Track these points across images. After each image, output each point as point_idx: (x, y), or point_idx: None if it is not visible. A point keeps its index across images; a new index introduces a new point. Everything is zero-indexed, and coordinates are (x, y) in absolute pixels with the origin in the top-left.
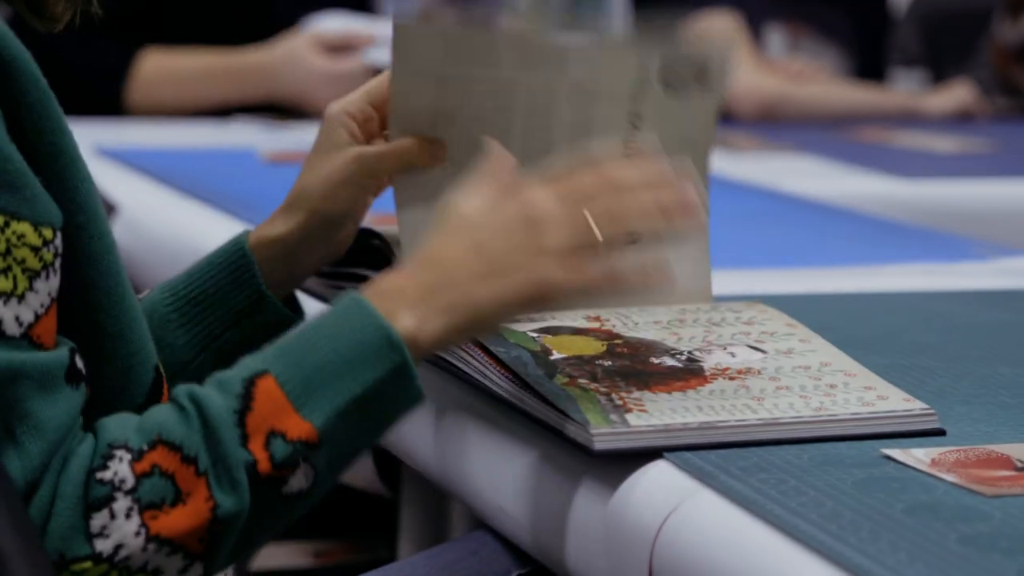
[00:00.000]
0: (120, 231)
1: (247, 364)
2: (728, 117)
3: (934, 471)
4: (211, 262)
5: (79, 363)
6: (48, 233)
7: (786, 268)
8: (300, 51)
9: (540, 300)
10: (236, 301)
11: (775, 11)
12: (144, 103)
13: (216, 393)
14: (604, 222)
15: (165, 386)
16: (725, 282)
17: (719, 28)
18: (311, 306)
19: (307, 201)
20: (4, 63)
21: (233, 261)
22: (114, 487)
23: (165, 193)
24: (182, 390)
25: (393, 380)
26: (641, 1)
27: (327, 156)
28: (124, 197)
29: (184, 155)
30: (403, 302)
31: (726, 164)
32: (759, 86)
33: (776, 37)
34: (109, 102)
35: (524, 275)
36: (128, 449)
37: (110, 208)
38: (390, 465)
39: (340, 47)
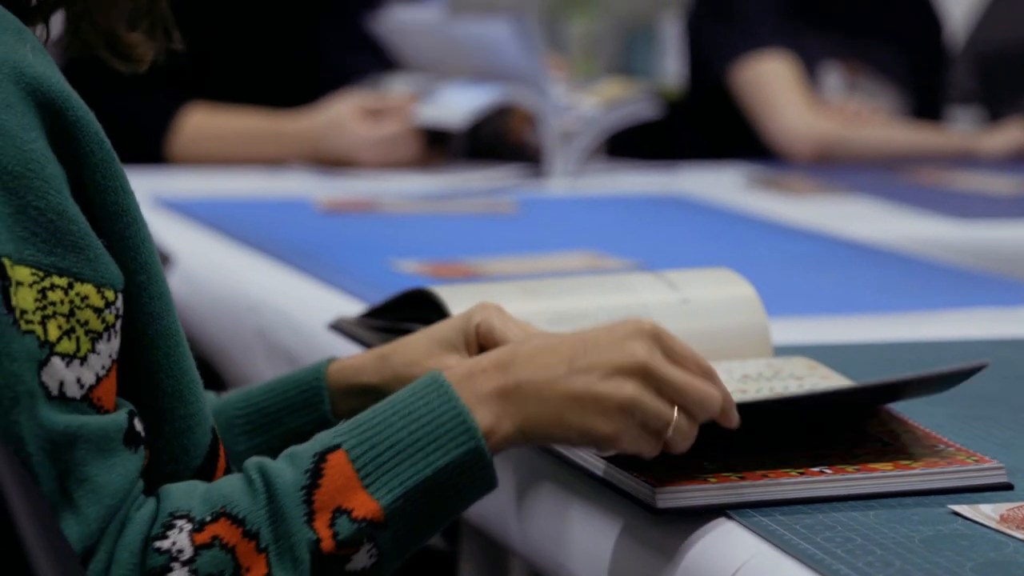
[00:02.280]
0: (176, 282)
1: (321, 438)
2: (784, 159)
3: (1004, 527)
4: (290, 379)
5: (138, 426)
6: (110, 295)
7: (843, 315)
8: (342, 117)
9: (604, 442)
10: (301, 422)
11: (831, 51)
12: (185, 158)
13: (287, 467)
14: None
15: (222, 448)
16: (780, 331)
17: (774, 69)
18: (352, 351)
19: (403, 366)
20: (68, 123)
21: (308, 384)
22: (171, 557)
23: (221, 243)
24: (253, 463)
25: (466, 465)
26: (696, 46)
27: (438, 342)
28: (180, 247)
29: (239, 204)
30: (481, 396)
31: (782, 207)
32: (815, 128)
33: (832, 77)
34: (150, 155)
35: (595, 421)
36: (190, 519)
37: (166, 258)
38: None
39: (382, 111)
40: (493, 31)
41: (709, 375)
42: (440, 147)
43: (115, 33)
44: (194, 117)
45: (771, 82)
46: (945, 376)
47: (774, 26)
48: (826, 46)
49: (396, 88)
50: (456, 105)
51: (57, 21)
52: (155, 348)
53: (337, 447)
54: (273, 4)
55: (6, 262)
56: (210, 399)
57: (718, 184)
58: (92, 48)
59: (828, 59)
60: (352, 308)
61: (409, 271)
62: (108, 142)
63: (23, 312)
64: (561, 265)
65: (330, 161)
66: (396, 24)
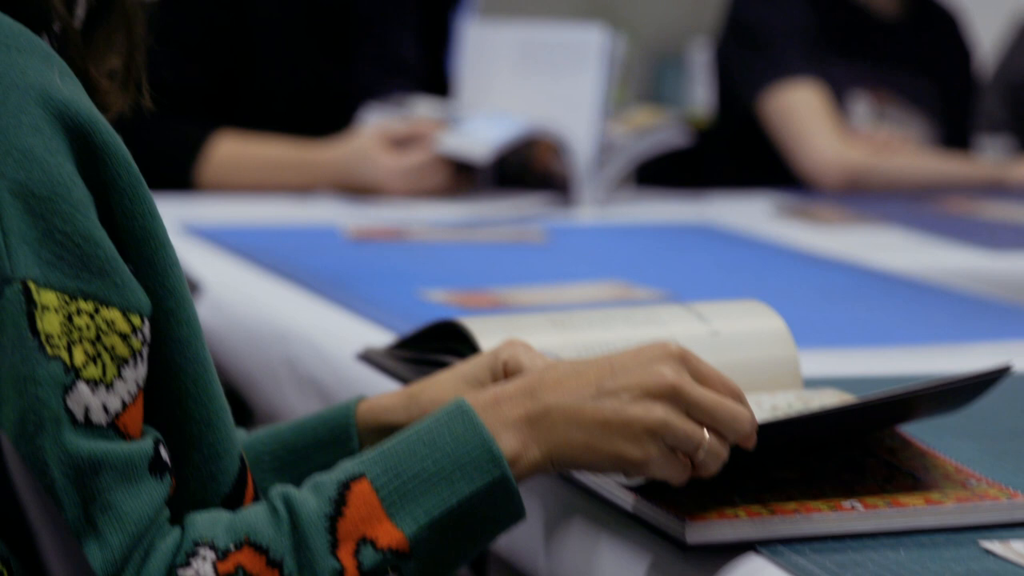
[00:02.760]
0: (204, 310)
1: (345, 467)
2: (813, 188)
3: None
4: (319, 416)
5: (164, 454)
6: (137, 320)
7: (872, 347)
8: (368, 148)
9: (633, 467)
10: (330, 459)
11: (860, 80)
12: (214, 185)
13: (311, 496)
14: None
15: (250, 476)
16: (810, 363)
17: (803, 97)
18: (384, 385)
19: (431, 404)
20: (96, 147)
21: (337, 422)
22: None
23: (249, 271)
24: (278, 491)
25: (492, 495)
26: (725, 74)
27: (465, 380)
28: (208, 275)
29: (268, 232)
30: (507, 422)
31: (811, 237)
32: (844, 156)
33: (861, 106)
34: (180, 180)
35: (624, 446)
36: (213, 548)
37: (194, 286)
38: None
39: (407, 140)
40: (585, 36)
41: (737, 395)
42: (467, 175)
43: (90, 75)
44: (224, 144)
45: (800, 111)
46: (967, 384)
47: (803, 55)
48: (855, 75)
49: (420, 112)
50: (481, 137)
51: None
52: (183, 374)
53: (361, 476)
54: (305, 29)
55: (32, 286)
56: (240, 436)
57: (747, 213)
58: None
59: (857, 88)
60: (380, 338)
61: (437, 300)
62: (135, 167)
63: (49, 337)
64: (589, 295)
65: (358, 190)
66: (480, 30)
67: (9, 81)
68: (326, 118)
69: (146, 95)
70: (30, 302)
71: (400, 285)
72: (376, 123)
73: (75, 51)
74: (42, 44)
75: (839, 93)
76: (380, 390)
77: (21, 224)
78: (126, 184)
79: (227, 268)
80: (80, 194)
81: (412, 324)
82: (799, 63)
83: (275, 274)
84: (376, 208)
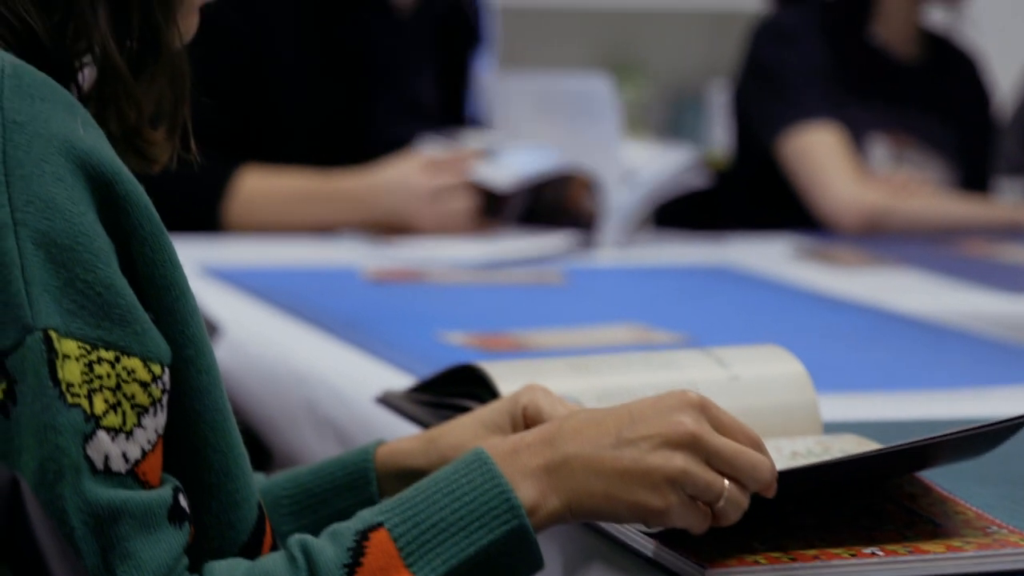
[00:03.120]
0: (223, 352)
1: (363, 516)
2: (832, 230)
3: None
4: (337, 461)
5: (183, 502)
6: (157, 369)
7: (892, 391)
8: (403, 174)
9: (653, 517)
10: (348, 504)
11: (878, 122)
12: (242, 222)
13: (328, 544)
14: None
15: (268, 524)
16: (829, 407)
17: (821, 140)
18: (403, 428)
19: (451, 449)
20: (118, 197)
21: (356, 466)
22: None
23: (268, 313)
24: (295, 540)
25: (510, 544)
26: (743, 116)
27: (485, 425)
28: (227, 317)
29: (287, 273)
30: (526, 471)
31: (830, 279)
32: (862, 199)
33: (879, 149)
34: (207, 220)
35: (644, 495)
36: None
37: (213, 328)
38: None
39: (440, 164)
40: (592, 84)
41: (757, 444)
42: (496, 210)
43: (137, 127)
44: (249, 180)
45: (818, 153)
46: (989, 432)
47: (821, 97)
48: (873, 117)
49: (467, 143)
50: (509, 167)
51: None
52: (202, 423)
53: (379, 525)
54: (323, 71)
55: (53, 335)
56: (258, 480)
57: (766, 255)
58: (110, 137)
59: (875, 131)
60: (399, 381)
61: (456, 343)
62: (157, 215)
63: (69, 385)
64: (608, 338)
65: (385, 220)
66: (495, 82)
67: (32, 130)
68: (344, 160)
69: (192, 149)
70: (51, 351)
71: (419, 327)
72: (404, 155)
73: (124, 100)
74: (65, 94)
75: (857, 136)
76: (399, 433)
77: (43, 273)
78: (147, 233)
79: (246, 310)
80: (102, 243)
81: (431, 367)
82: (817, 106)
83: (294, 316)
84: (395, 249)
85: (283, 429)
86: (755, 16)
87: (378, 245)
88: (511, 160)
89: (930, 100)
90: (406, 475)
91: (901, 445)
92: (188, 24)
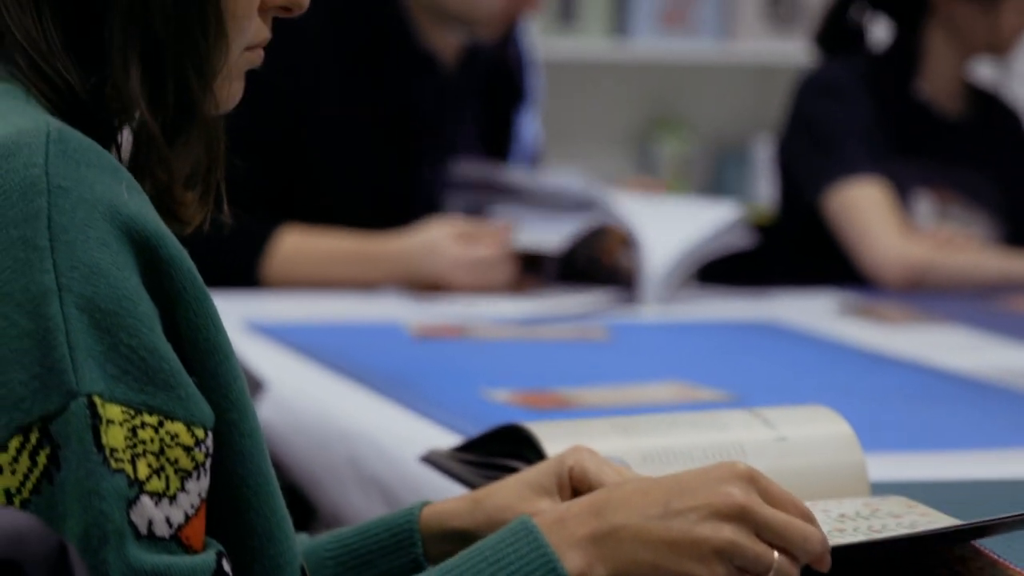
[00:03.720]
0: (267, 408)
1: None
2: (877, 286)
3: None
4: (382, 521)
5: (226, 566)
6: (200, 433)
7: (939, 450)
8: (438, 239)
9: None
10: (393, 565)
11: (922, 178)
12: (281, 280)
13: None
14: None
15: None
16: (876, 467)
17: (866, 195)
18: (448, 488)
19: (496, 511)
20: (161, 261)
21: (401, 526)
22: None
23: (312, 369)
24: None
25: None
26: (787, 171)
27: (531, 487)
28: (271, 373)
29: (331, 329)
30: (573, 541)
31: (876, 336)
32: (907, 254)
33: (924, 204)
34: (246, 278)
35: (692, 566)
36: None
37: (257, 384)
38: None
39: (477, 236)
40: (567, 182)
41: (807, 516)
42: (534, 271)
43: (170, 189)
44: (289, 238)
45: (863, 208)
46: None
47: (866, 152)
48: (917, 173)
49: (493, 215)
50: (552, 229)
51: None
52: (245, 486)
53: None
54: (366, 132)
55: (98, 400)
56: (302, 540)
57: (811, 311)
58: None
59: (920, 186)
60: (444, 439)
61: (500, 400)
62: (200, 279)
63: (113, 451)
64: (653, 396)
65: (423, 283)
66: (472, 172)
67: (77, 196)
68: (388, 218)
69: (225, 211)
70: (95, 416)
71: (463, 384)
72: (445, 218)
73: (157, 164)
74: (110, 158)
75: (902, 191)
76: (444, 492)
77: (87, 338)
78: (191, 297)
79: (290, 366)
80: (146, 308)
81: (475, 425)
82: (863, 161)
83: (338, 372)
84: (439, 305)
85: (328, 487)
86: (799, 69)
87: (421, 301)
88: (548, 222)
89: (975, 156)
90: (452, 536)
91: (955, 527)
92: (231, 91)
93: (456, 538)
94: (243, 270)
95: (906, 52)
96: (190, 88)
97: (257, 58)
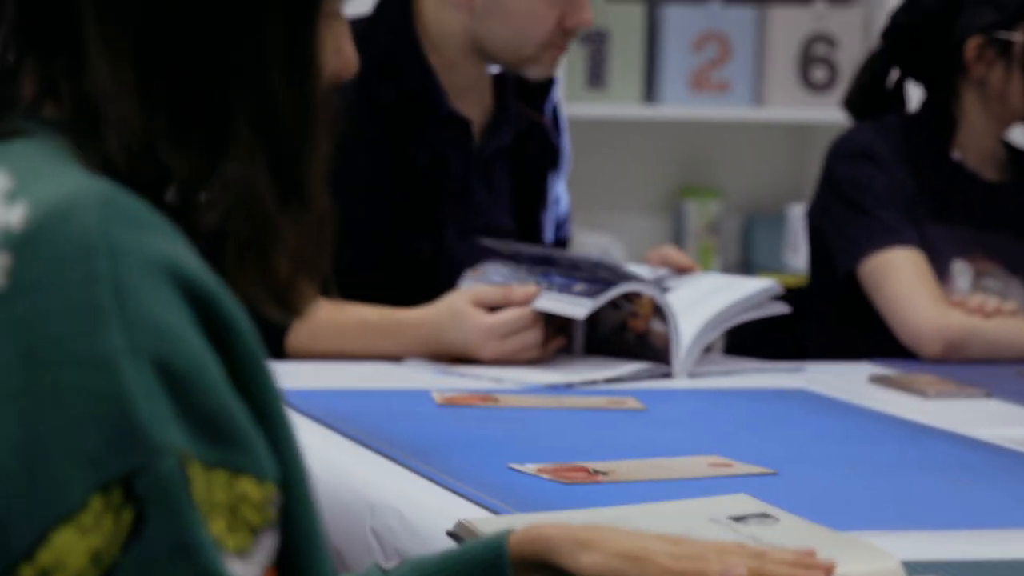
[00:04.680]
0: None
1: None
2: (914, 356)
3: None
4: (466, 550)
5: None
6: (270, 489)
7: (978, 528)
8: (462, 307)
9: None
10: None
11: (959, 246)
12: (304, 353)
13: None
14: None
15: None
16: (913, 545)
17: (902, 264)
18: None
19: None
20: (221, 321)
21: (487, 557)
22: None
23: (336, 438)
24: None
25: None
26: (821, 239)
27: None
28: None
29: (355, 396)
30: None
31: (911, 406)
32: (944, 323)
33: (962, 274)
34: (270, 351)
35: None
36: None
37: None
38: None
39: (500, 304)
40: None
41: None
42: (561, 334)
43: (278, 275)
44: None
45: (900, 277)
46: None
47: (903, 220)
48: (953, 239)
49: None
50: (577, 294)
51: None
52: (295, 550)
53: None
54: (395, 194)
55: (182, 456)
56: (370, 573)
57: (845, 380)
58: (246, 286)
59: (956, 253)
60: (472, 512)
61: (529, 473)
62: (257, 339)
63: (199, 506)
64: (688, 470)
65: (449, 352)
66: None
67: (137, 256)
68: (416, 286)
69: (332, 292)
70: (182, 472)
71: (491, 455)
72: (470, 287)
73: (270, 248)
74: (163, 219)
75: (938, 258)
76: None
77: (163, 396)
78: (249, 357)
79: (313, 434)
80: (213, 365)
81: (503, 498)
82: (898, 229)
83: (363, 441)
84: (466, 372)
85: (351, 559)
86: (833, 131)
87: (448, 368)
88: (573, 287)
89: (1013, 221)
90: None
91: None
92: (324, 159)
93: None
94: (268, 343)
95: (940, 115)
96: (305, 165)
97: None
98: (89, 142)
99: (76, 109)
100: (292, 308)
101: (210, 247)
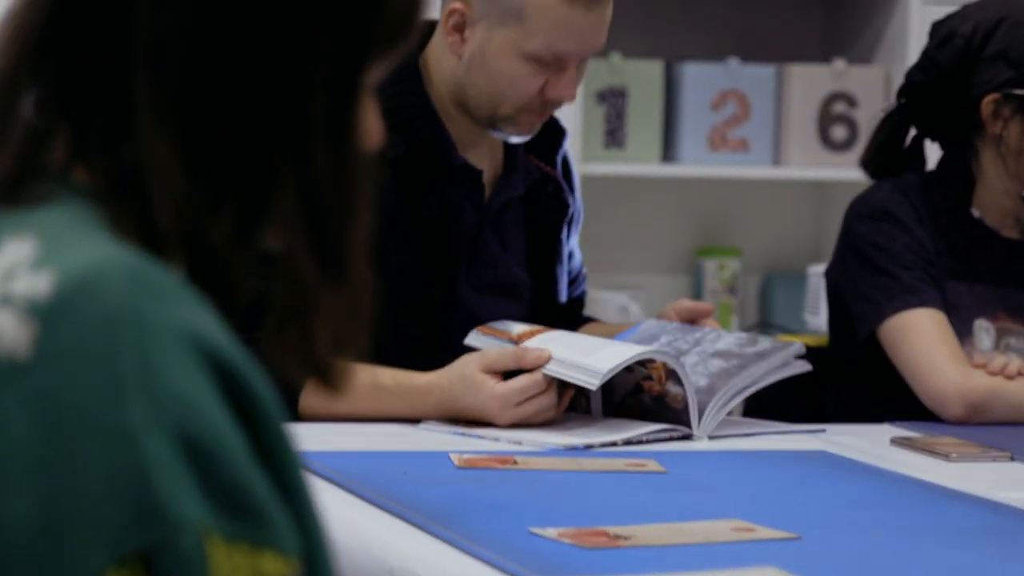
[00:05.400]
0: None
1: None
2: (936, 418)
3: None
4: None
5: None
6: (294, 563)
7: None
8: (475, 373)
9: None
10: None
11: (981, 306)
12: (316, 414)
13: None
14: None
15: None
16: None
17: (923, 325)
18: None
19: None
20: (246, 394)
21: None
22: None
23: (353, 501)
24: None
25: None
26: (841, 299)
27: None
28: None
29: (372, 458)
30: None
31: (933, 471)
32: (966, 385)
33: (984, 334)
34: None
35: None
36: None
37: None
38: None
39: (512, 368)
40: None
41: None
42: (577, 398)
43: (317, 348)
44: None
45: (921, 339)
46: None
47: (922, 281)
48: (975, 300)
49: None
50: (592, 361)
51: None
52: None
53: None
54: (408, 248)
55: (202, 531)
56: None
57: (868, 443)
58: (284, 359)
59: (978, 314)
60: None
61: (549, 538)
62: (279, 410)
63: None
64: (708, 534)
65: (462, 415)
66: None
67: (162, 327)
68: (430, 341)
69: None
70: (201, 547)
71: (510, 520)
72: (482, 351)
73: (313, 321)
74: (190, 290)
75: (960, 318)
76: None
77: (184, 471)
78: (273, 430)
79: (332, 497)
80: (237, 439)
81: (523, 563)
82: (919, 289)
83: (381, 505)
84: (485, 434)
85: None
86: (855, 185)
87: (466, 431)
88: (588, 352)
89: None
90: None
91: None
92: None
93: None
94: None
95: (958, 173)
96: (346, 237)
97: None
98: (124, 210)
99: (112, 176)
100: (330, 382)
101: (249, 320)
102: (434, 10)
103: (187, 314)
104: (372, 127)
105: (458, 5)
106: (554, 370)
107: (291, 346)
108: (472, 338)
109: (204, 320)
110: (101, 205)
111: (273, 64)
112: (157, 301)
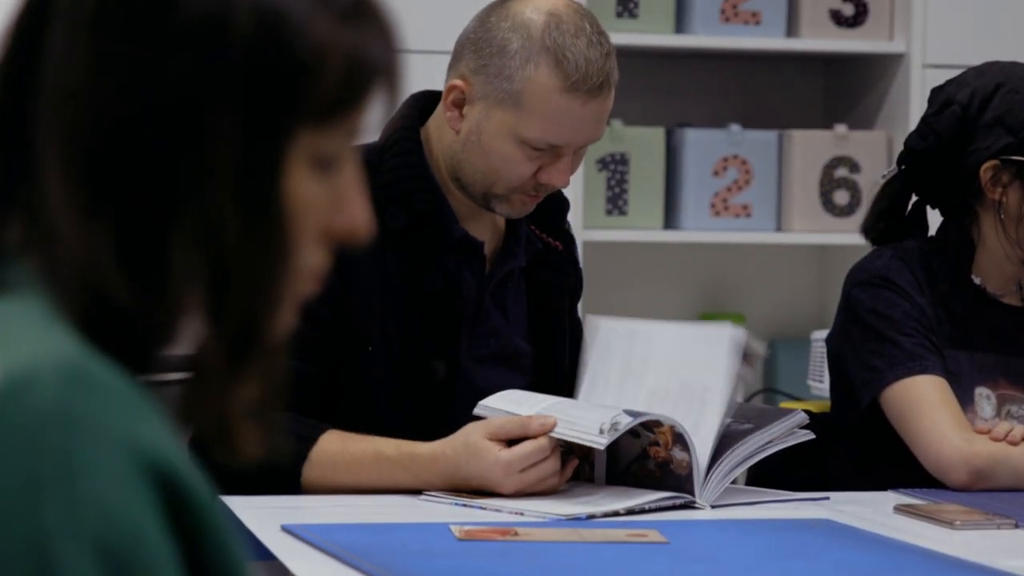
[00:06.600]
0: None
1: None
2: (939, 486)
3: None
4: None
5: None
6: None
7: None
8: (478, 441)
9: None
10: None
11: (982, 374)
12: (317, 486)
13: None
14: None
15: None
16: None
17: (925, 393)
18: None
19: None
20: (184, 499)
21: None
22: None
23: (352, 575)
24: None
25: None
26: (843, 367)
27: None
28: None
29: (371, 530)
30: None
31: (938, 539)
32: (970, 451)
33: (986, 401)
34: (287, 487)
35: None
36: None
37: None
38: None
39: (517, 436)
40: (716, 333)
41: None
42: (581, 464)
43: (231, 419)
44: (329, 444)
45: (923, 406)
46: None
47: (923, 347)
48: (976, 368)
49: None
50: (597, 424)
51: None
52: None
53: None
54: (410, 318)
55: None
56: None
57: (872, 511)
58: (198, 419)
59: (979, 381)
60: None
61: None
62: (222, 517)
63: None
64: None
65: (464, 485)
66: (600, 324)
67: (93, 430)
68: (432, 412)
69: (280, 449)
70: None
71: None
72: (486, 420)
73: (218, 395)
74: (133, 389)
75: (961, 385)
76: None
77: None
78: (212, 534)
79: (331, 570)
80: (162, 547)
81: None
82: (921, 356)
83: None
84: (487, 505)
85: None
86: (859, 251)
87: (467, 501)
88: (592, 415)
89: None
90: None
91: None
92: (286, 320)
93: None
94: (284, 479)
95: (959, 239)
96: (255, 315)
97: (313, 287)
98: (66, 297)
99: (51, 264)
100: (235, 451)
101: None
102: (438, 82)
103: (124, 416)
104: (352, 214)
105: (459, 82)
106: (562, 432)
107: (202, 409)
108: (480, 409)
109: (145, 423)
110: (48, 291)
111: (175, 115)
112: (92, 402)
